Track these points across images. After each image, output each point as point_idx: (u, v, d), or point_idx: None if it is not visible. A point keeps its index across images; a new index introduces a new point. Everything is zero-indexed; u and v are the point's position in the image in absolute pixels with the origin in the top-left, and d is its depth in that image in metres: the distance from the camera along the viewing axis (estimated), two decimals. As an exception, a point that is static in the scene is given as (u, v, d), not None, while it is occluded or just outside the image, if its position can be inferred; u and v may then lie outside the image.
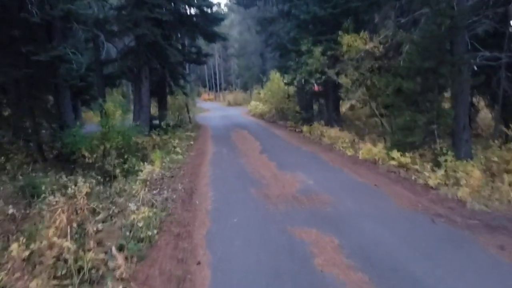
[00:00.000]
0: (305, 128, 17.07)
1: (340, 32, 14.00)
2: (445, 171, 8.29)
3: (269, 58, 35.30)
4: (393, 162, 9.29)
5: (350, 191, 7.65)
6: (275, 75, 26.09)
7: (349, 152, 11.80)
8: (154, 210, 7.06)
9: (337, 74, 14.88)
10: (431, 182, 7.77)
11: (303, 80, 16.20)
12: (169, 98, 23.25)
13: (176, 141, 15.66)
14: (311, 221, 6.07)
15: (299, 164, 10.63)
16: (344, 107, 21.28)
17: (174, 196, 8.04)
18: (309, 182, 8.52)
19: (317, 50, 15.29)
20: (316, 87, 17.88)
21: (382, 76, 13.14)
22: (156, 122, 21.06)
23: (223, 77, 66.16)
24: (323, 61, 15.32)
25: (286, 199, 7.31)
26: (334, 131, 14.99)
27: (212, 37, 20.79)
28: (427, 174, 8.15)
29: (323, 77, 15.31)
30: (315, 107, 20.35)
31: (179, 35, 20.75)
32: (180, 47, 21.32)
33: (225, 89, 64.10)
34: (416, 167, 8.92)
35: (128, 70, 17.30)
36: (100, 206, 7.68)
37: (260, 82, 34.91)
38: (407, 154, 9.37)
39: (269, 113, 25.77)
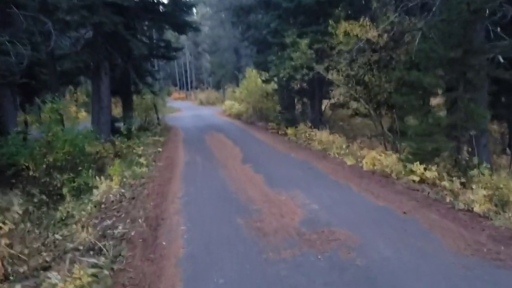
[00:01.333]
0: (289, 130, 15.01)
1: (330, 21, 12.03)
2: (484, 188, 6.39)
3: (244, 54, 33.13)
4: (414, 177, 7.30)
5: (374, 224, 5.57)
6: (251, 72, 24.00)
7: (349, 161, 9.80)
8: (102, 260, 4.85)
9: (327, 69, 12.91)
10: (478, 208, 5.81)
11: (286, 77, 14.13)
12: (135, 97, 20.80)
13: (142, 147, 13.31)
14: (336, 283, 3.99)
15: (294, 179, 8.54)
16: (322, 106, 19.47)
17: (133, 233, 5.79)
18: (314, 207, 6.43)
19: (303, 43, 13.25)
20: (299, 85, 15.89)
21: (382, 70, 11.24)
22: (121, 124, 18.64)
23: (195, 75, 63.57)
24: (310, 55, 13.31)
25: (290, 238, 5.18)
26: (324, 134, 13.00)
27: (182, 28, 18.34)
28: (470, 196, 6.16)
29: (311, 73, 13.30)
30: (298, 106, 18.35)
31: (144, 27, 18.29)
32: (146, 40, 18.92)
33: (196, 88, 61.56)
34: (444, 183, 6.99)
35: (84, 65, 14.77)
36: (26, 252, 5.38)
37: (235, 80, 32.77)
38: (428, 165, 7.44)
39: (246, 113, 23.61)
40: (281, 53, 14.64)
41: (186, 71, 62.68)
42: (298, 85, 14.19)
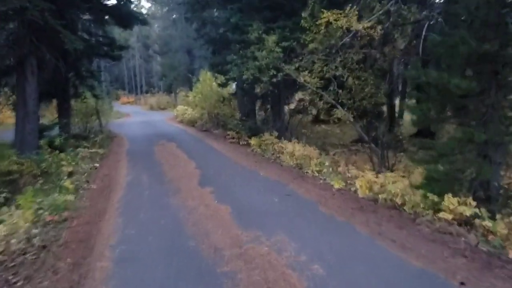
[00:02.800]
0: (253, 140, 12.74)
1: (303, 14, 9.99)
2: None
3: (198, 55, 30.53)
4: (446, 215, 5.22)
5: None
6: (206, 75, 21.57)
7: (337, 184, 7.69)
8: None
9: (297, 70, 10.82)
10: None
11: (250, 79, 11.88)
12: (74, 102, 17.81)
13: (74, 162, 10.60)
14: None
15: (271, 211, 6.28)
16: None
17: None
18: (315, 269, 4.18)
19: (271, 39, 11.10)
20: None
21: (367, 71, 9.26)
22: (55, 133, 15.65)
23: (145, 79, 59.95)
24: (278, 53, 11.17)
25: None
26: (296, 146, 10.85)
27: (127, 21, 15.50)
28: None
29: (279, 74, 11.13)
30: (261, 113, 16.14)
31: (83, 19, 15.39)
32: (86, 36, 16.04)
33: (146, 92, 58.02)
34: (486, 223, 4.98)
35: (2, 62, 11.76)
36: None
37: (187, 83, 30.12)
38: (449, 195, 5.43)
39: (201, 119, 21.09)
40: (244, 52, 12.37)
41: (135, 75, 58.92)
42: (263, 89, 11.97)
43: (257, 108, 16.49)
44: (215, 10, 16.36)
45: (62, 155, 11.74)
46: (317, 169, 8.97)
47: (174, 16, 30.87)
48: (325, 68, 9.99)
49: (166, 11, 33.89)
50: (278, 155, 11.02)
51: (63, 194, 7.62)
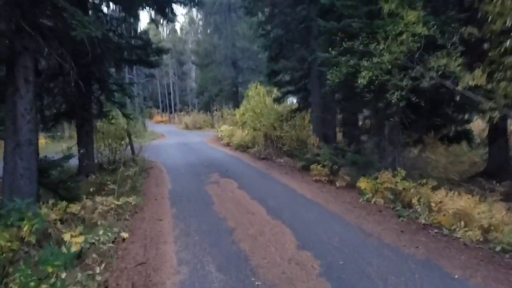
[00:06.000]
0: (363, 183, 7.86)
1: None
2: None
3: (245, 67, 26.04)
4: None
5: None
6: (258, 89, 17.08)
7: None
8: None
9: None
10: None
11: (366, 82, 7.17)
12: (99, 123, 13.57)
13: (84, 229, 6.08)
14: None
15: None
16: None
17: None
18: None
19: (412, 16, 6.42)
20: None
21: None
22: (74, 164, 11.42)
23: (178, 97, 56.26)
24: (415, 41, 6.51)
25: None
26: (463, 198, 6.00)
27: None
28: None
29: (427, 75, 6.37)
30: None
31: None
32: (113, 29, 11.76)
33: (180, 111, 54.25)
34: None
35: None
36: None
37: (232, 99, 25.71)
38: None
39: (256, 143, 16.37)
40: (350, 44, 7.65)
41: (169, 93, 55.27)
42: (394, 100, 7.16)
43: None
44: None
45: (73, 207, 7.38)
46: None
47: (214, 19, 26.41)
48: None
49: (207, 16, 29.45)
50: (429, 216, 6.14)
51: None
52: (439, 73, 6.62)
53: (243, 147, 17.45)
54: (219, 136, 21.93)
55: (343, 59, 7.72)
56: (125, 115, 13.69)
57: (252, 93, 17.27)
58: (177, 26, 58.10)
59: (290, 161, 12.78)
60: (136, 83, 31.75)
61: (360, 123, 11.76)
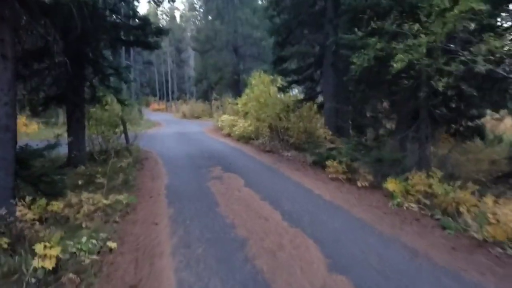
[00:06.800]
0: (391, 184, 6.70)
1: None
2: None
3: (248, 54, 24.69)
4: None
5: None
6: (263, 77, 15.86)
7: None
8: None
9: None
10: None
11: (391, 73, 6.02)
12: (91, 109, 12.31)
13: (61, 236, 4.93)
14: None
15: None
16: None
17: None
18: None
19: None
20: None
21: None
22: (65, 153, 10.27)
23: (177, 85, 54.78)
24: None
25: None
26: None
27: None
28: None
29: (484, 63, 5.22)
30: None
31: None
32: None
33: (177, 99, 52.88)
34: None
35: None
36: None
37: (233, 88, 24.43)
38: None
39: (261, 135, 15.21)
40: (380, 24, 6.48)
41: (167, 80, 53.77)
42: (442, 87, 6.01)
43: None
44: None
45: (55, 206, 6.27)
46: None
47: (216, 4, 24.87)
48: None
49: (208, 1, 27.85)
50: (486, 229, 5.02)
51: None
52: (492, 57, 5.48)
53: (245, 139, 16.28)
54: (219, 126, 20.70)
55: (372, 40, 6.55)
56: (120, 101, 12.50)
57: (255, 82, 16.07)
58: (177, 13, 56.53)
59: (298, 155, 11.63)
60: (132, 66, 30.33)
61: (369, 114, 10.57)
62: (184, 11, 56.42)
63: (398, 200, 6.39)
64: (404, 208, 6.24)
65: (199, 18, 40.17)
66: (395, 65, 5.90)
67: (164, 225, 5.83)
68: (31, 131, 22.87)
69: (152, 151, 13.72)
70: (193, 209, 6.62)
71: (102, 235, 5.30)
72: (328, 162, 8.67)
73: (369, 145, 8.06)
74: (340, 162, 8.53)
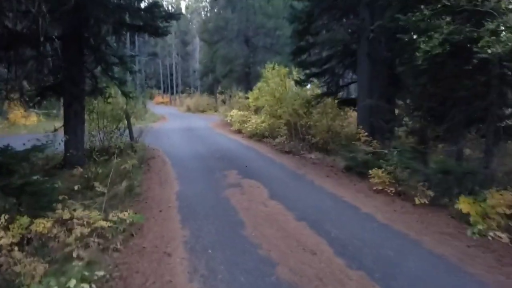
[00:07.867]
0: (465, 204, 5.19)
1: None
2: None
3: (261, 45, 23.00)
4: None
5: None
6: (278, 70, 14.40)
7: None
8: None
9: None
10: None
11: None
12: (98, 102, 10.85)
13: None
14: None
15: None
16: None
17: None
18: None
19: None
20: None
21: None
22: (61, 152, 8.86)
23: (181, 78, 53.18)
24: None
25: None
26: None
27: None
28: None
29: None
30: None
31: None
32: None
33: (182, 92, 51.37)
34: None
35: None
36: None
37: (244, 81, 22.86)
38: None
39: (278, 132, 13.70)
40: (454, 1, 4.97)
41: (171, 73, 52.13)
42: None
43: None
44: None
45: (40, 225, 4.82)
46: None
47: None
48: None
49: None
50: None
51: None
52: None
53: (258, 136, 14.78)
54: (228, 121, 19.18)
55: (447, 19, 5.03)
56: (125, 94, 11.02)
57: (269, 75, 14.57)
58: (182, 5, 54.80)
59: (324, 158, 10.15)
60: (138, 55, 28.77)
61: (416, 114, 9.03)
62: (190, 2, 54.63)
63: (480, 227, 4.89)
64: (489, 238, 4.74)
65: (206, 9, 38.39)
66: (490, 50, 4.39)
67: (180, 257, 4.37)
68: (30, 123, 21.45)
69: (159, 149, 12.24)
70: (213, 231, 5.16)
71: (98, 273, 3.86)
72: (373, 171, 7.14)
73: (426, 152, 6.53)
74: (388, 172, 7.00)
